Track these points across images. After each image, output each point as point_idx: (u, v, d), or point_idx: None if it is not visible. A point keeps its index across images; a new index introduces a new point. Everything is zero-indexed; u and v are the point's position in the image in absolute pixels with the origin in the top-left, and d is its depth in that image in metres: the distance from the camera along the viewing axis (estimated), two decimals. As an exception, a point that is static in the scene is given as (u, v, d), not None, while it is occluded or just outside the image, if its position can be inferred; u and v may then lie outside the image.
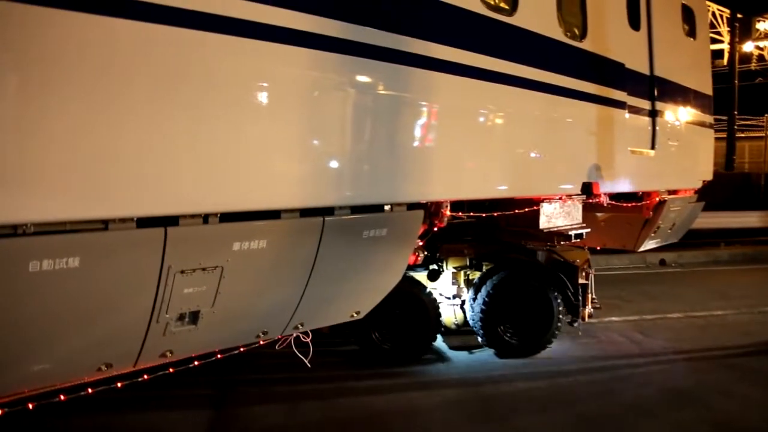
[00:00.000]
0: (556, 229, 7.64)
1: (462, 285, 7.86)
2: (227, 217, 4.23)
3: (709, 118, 10.31)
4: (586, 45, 7.23)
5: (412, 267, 7.61)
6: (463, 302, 7.90)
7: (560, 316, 7.66)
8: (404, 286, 7.31)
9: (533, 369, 7.35)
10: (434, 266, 7.64)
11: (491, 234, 8.13)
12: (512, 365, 7.44)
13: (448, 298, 7.90)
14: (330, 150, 4.73)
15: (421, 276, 7.68)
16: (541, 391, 6.69)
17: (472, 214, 7.27)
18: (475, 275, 7.90)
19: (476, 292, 7.68)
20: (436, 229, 5.97)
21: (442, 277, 7.74)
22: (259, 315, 4.84)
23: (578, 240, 7.86)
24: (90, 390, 4.52)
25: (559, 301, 7.66)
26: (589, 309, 8.00)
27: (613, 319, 9.70)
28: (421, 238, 6.05)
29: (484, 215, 7.22)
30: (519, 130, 6.38)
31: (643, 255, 14.79)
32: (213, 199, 4.10)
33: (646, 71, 8.57)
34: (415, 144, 5.31)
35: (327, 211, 4.77)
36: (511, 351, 7.58)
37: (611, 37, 7.80)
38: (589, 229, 8.01)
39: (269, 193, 4.37)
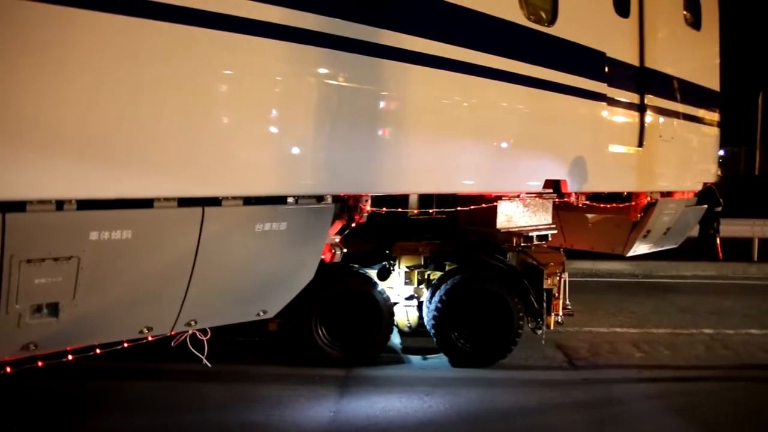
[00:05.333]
0: (516, 229, 7.10)
1: (417, 285, 7.36)
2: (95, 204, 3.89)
3: (714, 116, 9.56)
4: (554, 30, 6.65)
5: (366, 264, 7.21)
6: (420, 303, 7.41)
7: (521, 324, 7.10)
8: (355, 283, 6.95)
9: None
10: (384, 264, 7.15)
11: (452, 232, 7.61)
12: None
13: (406, 299, 7.41)
14: (216, 135, 4.31)
15: (374, 273, 7.22)
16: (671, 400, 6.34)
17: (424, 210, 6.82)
18: (436, 275, 7.40)
19: (433, 294, 7.18)
20: (354, 224, 5.51)
21: (393, 276, 7.26)
22: (136, 310, 4.47)
23: (542, 242, 7.31)
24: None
25: (519, 307, 7.10)
26: (557, 316, 7.43)
27: (752, 331, 8.99)
28: (339, 233, 5.59)
29: (431, 211, 6.74)
30: (457, 120, 5.86)
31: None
32: (67, 184, 3.74)
33: (634, 62, 7.91)
34: (323, 131, 4.85)
35: (212, 200, 4.38)
36: (465, 359, 7.05)
37: (589, 23, 7.22)
38: (555, 231, 7.45)
39: (138, 180, 3.99)
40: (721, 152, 28.86)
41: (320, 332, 6.89)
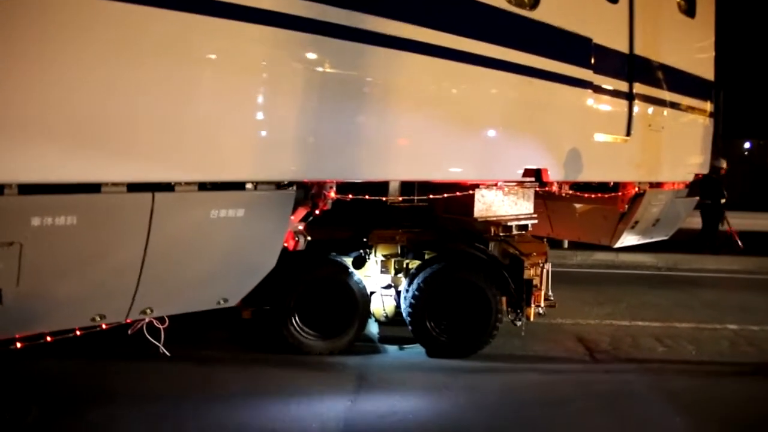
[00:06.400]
0: (495, 218, 6.94)
1: (395, 274, 7.21)
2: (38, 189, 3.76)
3: (706, 106, 9.33)
4: (537, 15, 6.45)
5: (344, 252, 7.08)
6: (399, 293, 7.27)
7: (499, 315, 6.96)
8: (330, 271, 6.84)
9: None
10: (360, 252, 7.01)
11: (431, 221, 7.46)
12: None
13: (383, 288, 7.26)
14: (169, 117, 4.14)
15: (350, 261, 7.09)
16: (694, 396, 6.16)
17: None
18: (414, 264, 7.25)
19: (410, 284, 7.05)
20: (318, 212, 5.36)
21: (370, 264, 7.12)
22: (86, 297, 4.35)
23: (522, 231, 7.16)
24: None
25: (498, 298, 6.96)
26: (538, 308, 7.27)
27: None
28: (303, 220, 5.44)
29: (400, 199, 6.59)
30: (431, 105, 5.68)
31: None
32: (7, 167, 3.61)
33: (623, 49, 7.70)
34: (285, 114, 4.69)
35: (165, 185, 4.24)
36: (441, 350, 6.92)
37: (574, 7, 7.00)
38: (535, 220, 7.30)
39: (84, 164, 3.86)
40: (747, 145, 28.45)
41: (294, 320, 6.77)
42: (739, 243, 14.40)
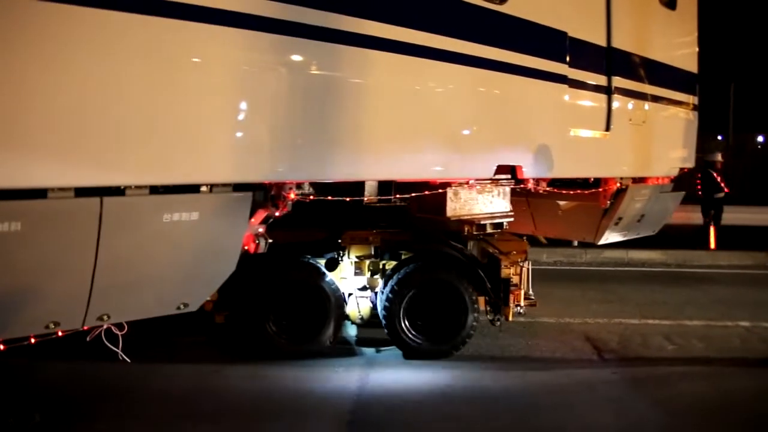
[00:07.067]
0: (468, 217, 6.83)
1: (370, 275, 7.10)
2: None
3: (690, 99, 9.21)
4: (507, 9, 6.33)
5: (318, 253, 6.98)
6: (376, 294, 7.16)
7: (476, 316, 6.85)
8: (303, 274, 6.76)
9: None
10: (332, 255, 6.91)
11: (406, 221, 7.35)
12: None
13: (359, 290, 7.15)
14: (117, 117, 4.02)
15: (323, 263, 6.98)
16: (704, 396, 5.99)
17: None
18: (391, 265, 7.14)
19: (386, 285, 6.94)
20: (277, 214, 5.24)
21: (343, 266, 7.01)
22: (36, 305, 4.24)
23: (498, 230, 7.06)
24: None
25: (474, 298, 6.85)
26: (517, 307, 7.15)
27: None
28: (263, 223, 5.32)
29: (373, 198, 6.50)
30: (397, 103, 5.56)
31: None
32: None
33: (600, 42, 7.59)
34: (239, 112, 4.55)
35: (115, 189, 4.14)
36: (417, 352, 6.82)
37: (548, 1, 6.89)
38: (511, 219, 7.19)
39: (28, 169, 3.75)
40: (760, 138, 28.19)
41: (269, 324, 6.71)
42: (711, 241, 14.21)
